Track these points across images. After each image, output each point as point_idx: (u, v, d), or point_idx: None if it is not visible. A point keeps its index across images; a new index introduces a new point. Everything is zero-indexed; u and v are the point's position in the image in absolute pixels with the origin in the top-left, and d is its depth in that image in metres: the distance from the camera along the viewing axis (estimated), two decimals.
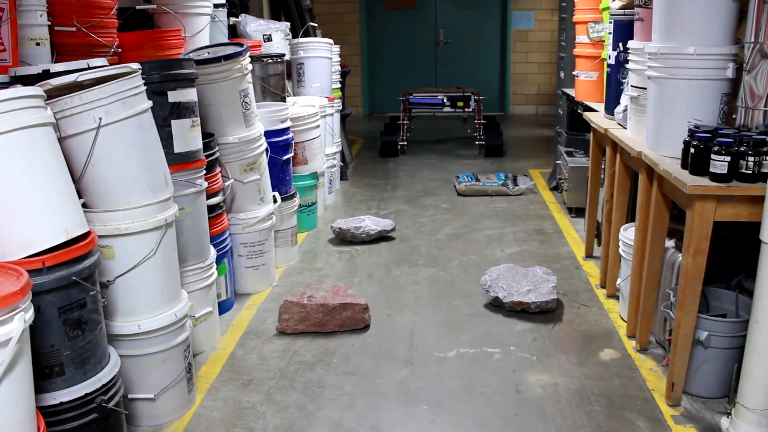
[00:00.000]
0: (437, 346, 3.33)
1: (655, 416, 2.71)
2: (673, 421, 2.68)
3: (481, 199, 5.95)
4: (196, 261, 3.17)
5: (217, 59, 3.59)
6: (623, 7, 3.76)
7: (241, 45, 3.83)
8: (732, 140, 2.46)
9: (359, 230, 4.80)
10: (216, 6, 4.39)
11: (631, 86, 3.35)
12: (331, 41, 6.29)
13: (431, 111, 8.24)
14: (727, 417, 2.57)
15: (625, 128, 3.54)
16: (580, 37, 5.09)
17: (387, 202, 6.00)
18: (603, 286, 3.94)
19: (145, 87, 2.55)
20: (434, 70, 11.21)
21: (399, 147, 7.88)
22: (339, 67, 6.83)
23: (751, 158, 2.43)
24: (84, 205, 2.39)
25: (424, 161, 7.62)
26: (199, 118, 3.12)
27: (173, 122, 2.96)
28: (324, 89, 6.10)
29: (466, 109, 7.97)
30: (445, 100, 7.94)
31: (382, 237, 4.90)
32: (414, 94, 8.13)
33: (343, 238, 4.86)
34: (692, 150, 2.56)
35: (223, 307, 3.68)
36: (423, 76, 11.13)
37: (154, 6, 3.80)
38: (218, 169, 3.56)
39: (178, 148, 2.98)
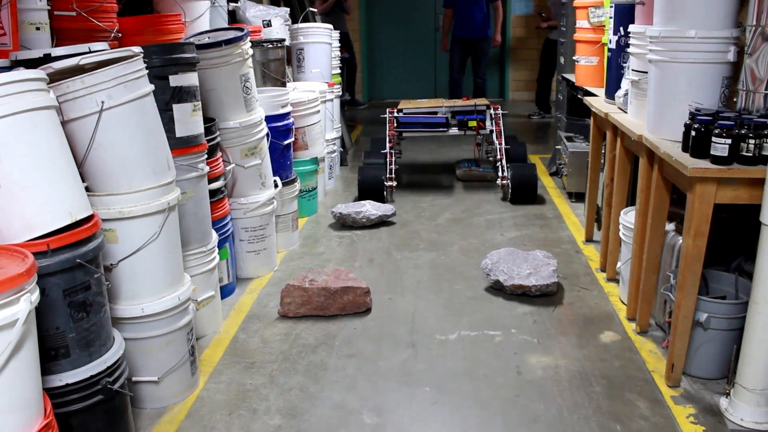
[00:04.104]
0: (439, 328, 3.35)
1: (655, 397, 2.74)
2: (673, 401, 2.70)
3: (481, 185, 5.96)
4: (198, 245, 3.18)
5: (217, 44, 3.59)
6: None
7: (241, 30, 3.83)
8: (733, 123, 2.47)
9: (360, 215, 4.81)
10: None
11: (632, 70, 3.36)
12: (330, 26, 6.29)
13: (430, 132, 5.80)
14: (726, 397, 2.61)
15: (626, 112, 3.54)
16: (581, 22, 5.07)
17: None
18: (603, 270, 3.96)
19: (147, 71, 2.55)
20: (434, 55, 11.17)
21: (385, 189, 5.41)
22: (338, 53, 6.82)
23: (751, 141, 2.43)
24: (87, 189, 2.39)
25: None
26: (200, 102, 3.13)
27: (175, 106, 2.96)
28: (324, 75, 6.09)
29: (481, 131, 5.62)
30: (449, 118, 5.58)
31: (382, 222, 4.91)
32: (405, 110, 5.68)
33: (344, 223, 4.87)
34: (693, 133, 2.57)
35: (225, 292, 3.69)
36: (422, 61, 11.10)
37: None
38: (219, 154, 3.57)
39: (179, 133, 2.99)
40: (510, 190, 5.34)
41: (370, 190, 5.41)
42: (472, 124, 5.56)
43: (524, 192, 5.31)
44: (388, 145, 5.59)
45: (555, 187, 5.79)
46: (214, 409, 2.73)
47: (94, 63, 2.45)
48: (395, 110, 5.69)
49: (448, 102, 5.94)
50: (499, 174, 5.42)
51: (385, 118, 5.68)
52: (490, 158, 5.99)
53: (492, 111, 5.62)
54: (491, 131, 5.62)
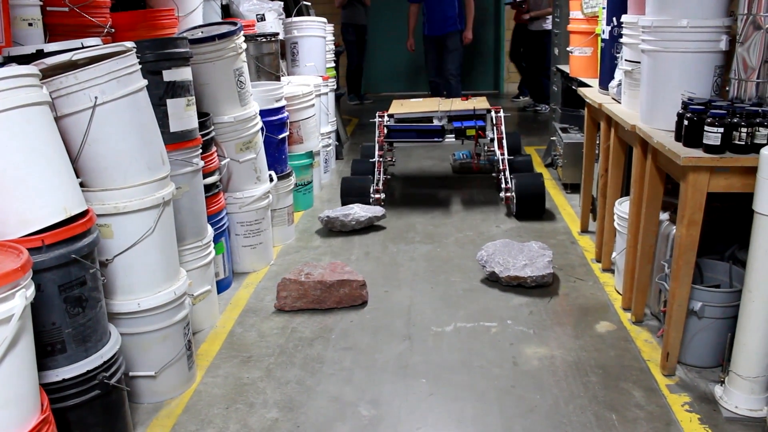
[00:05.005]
0: (435, 320, 3.36)
1: (651, 386, 2.75)
2: (668, 390, 2.72)
3: (476, 176, 5.96)
4: (194, 240, 3.18)
5: (211, 38, 3.59)
6: None
7: (234, 24, 3.82)
8: (725, 112, 2.48)
9: (348, 218, 4.60)
10: None
11: (625, 60, 3.36)
12: (324, 20, 6.27)
13: (424, 141, 5.26)
14: (721, 385, 2.62)
15: (619, 102, 3.55)
16: (574, 13, 5.08)
17: None
18: (598, 260, 3.98)
19: (140, 66, 2.55)
20: None
21: (371, 201, 4.94)
22: (333, 47, 6.81)
23: (744, 129, 2.44)
24: (81, 185, 2.40)
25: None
26: (194, 97, 3.12)
27: (168, 101, 2.96)
28: (318, 68, 6.09)
29: (481, 139, 5.08)
30: (445, 125, 5.03)
31: (372, 225, 4.74)
32: (396, 115, 5.13)
33: (332, 228, 4.66)
34: (686, 122, 2.57)
35: (222, 286, 3.70)
36: (419, 54, 11.06)
37: None
38: (214, 149, 3.57)
39: (173, 128, 2.99)
40: (515, 205, 4.79)
41: (352, 200, 4.89)
42: (471, 132, 4.97)
43: (531, 206, 4.74)
44: (377, 153, 5.14)
45: (550, 179, 5.80)
46: (211, 403, 2.74)
47: (87, 58, 2.45)
48: (385, 114, 5.16)
49: (445, 104, 5.40)
50: (503, 186, 4.88)
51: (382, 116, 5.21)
52: (493, 174, 5.56)
53: (493, 115, 5.06)
54: (492, 139, 5.06)
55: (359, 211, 4.66)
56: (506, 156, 4.96)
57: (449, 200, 5.34)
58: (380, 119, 5.16)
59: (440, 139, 5.03)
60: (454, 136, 5.05)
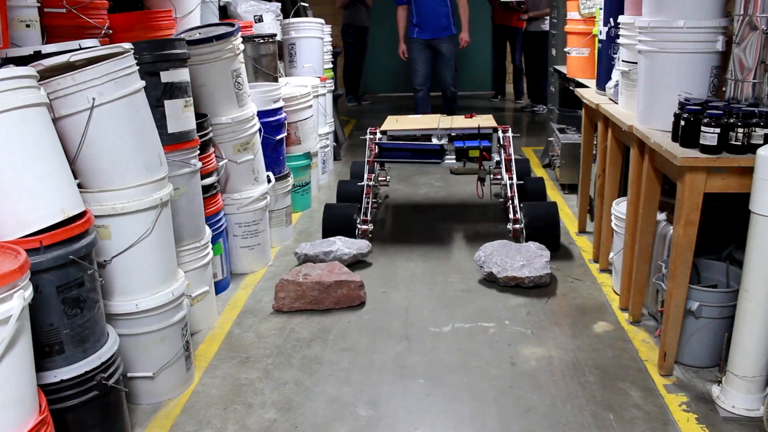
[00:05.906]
0: (432, 321, 3.36)
1: (648, 386, 2.76)
2: (666, 390, 2.72)
3: (473, 178, 5.95)
4: (192, 241, 3.18)
5: (208, 39, 3.59)
6: None
7: (232, 25, 3.82)
8: (722, 112, 2.48)
9: (330, 256, 3.98)
10: None
11: (622, 61, 3.37)
12: (322, 21, 6.27)
13: (422, 161, 4.53)
14: (718, 385, 2.63)
15: (617, 103, 3.55)
16: (572, 14, 5.09)
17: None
18: (596, 261, 3.98)
19: (138, 67, 2.55)
20: None
21: (357, 234, 4.30)
22: (331, 48, 6.81)
23: (740, 130, 2.45)
24: (79, 186, 2.40)
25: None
26: (191, 98, 3.13)
27: (166, 102, 2.96)
28: (316, 69, 6.09)
29: (485, 161, 4.39)
30: (446, 145, 4.42)
31: (357, 261, 4.11)
32: (390, 132, 4.55)
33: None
34: (682, 123, 2.58)
35: (220, 287, 3.70)
36: None
37: None
38: (212, 150, 3.57)
39: (171, 129, 2.99)
40: (524, 238, 4.14)
41: (334, 231, 4.26)
42: (474, 153, 4.33)
43: (543, 240, 4.02)
44: (366, 176, 4.52)
45: (548, 179, 5.80)
46: (209, 404, 2.74)
47: (84, 60, 2.45)
48: (377, 130, 4.60)
49: (446, 121, 4.75)
50: (510, 216, 4.25)
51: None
52: (500, 199, 5.02)
53: (500, 134, 4.46)
54: (498, 162, 4.46)
55: (342, 247, 4.04)
56: (515, 181, 4.35)
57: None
58: (371, 136, 4.59)
59: (439, 161, 4.39)
60: (454, 156, 4.42)
